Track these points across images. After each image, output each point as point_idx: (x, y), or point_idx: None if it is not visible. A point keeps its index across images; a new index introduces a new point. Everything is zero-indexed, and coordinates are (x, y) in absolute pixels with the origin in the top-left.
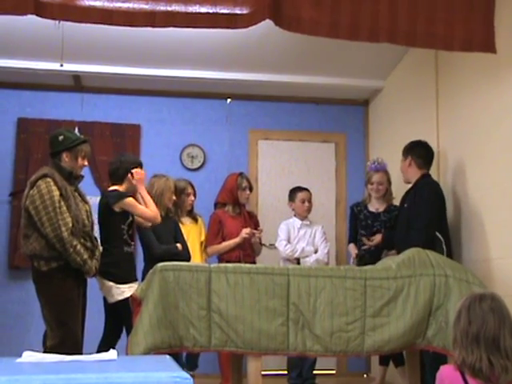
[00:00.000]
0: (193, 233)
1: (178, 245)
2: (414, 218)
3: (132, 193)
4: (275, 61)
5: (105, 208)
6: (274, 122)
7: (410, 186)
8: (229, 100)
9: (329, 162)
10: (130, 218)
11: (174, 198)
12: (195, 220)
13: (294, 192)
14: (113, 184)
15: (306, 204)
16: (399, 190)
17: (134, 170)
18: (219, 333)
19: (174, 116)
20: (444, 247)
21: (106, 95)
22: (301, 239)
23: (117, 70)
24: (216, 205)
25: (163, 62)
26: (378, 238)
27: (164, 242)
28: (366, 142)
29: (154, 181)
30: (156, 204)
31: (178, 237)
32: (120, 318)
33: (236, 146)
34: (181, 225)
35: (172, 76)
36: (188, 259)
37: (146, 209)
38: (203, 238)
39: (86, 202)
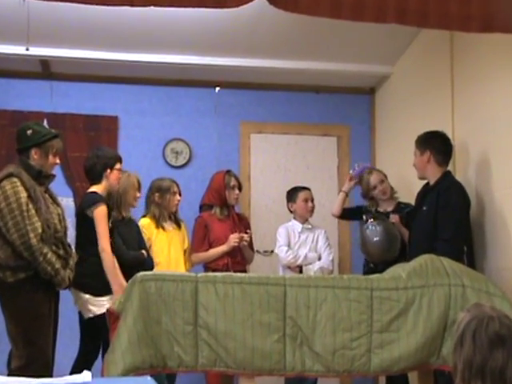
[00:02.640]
0: (176, 240)
1: (143, 251)
2: (442, 227)
3: (114, 192)
4: (270, 44)
5: (79, 211)
6: (268, 113)
7: (422, 183)
8: (217, 88)
9: (330, 159)
10: (110, 224)
11: (139, 194)
12: (178, 225)
13: (294, 192)
14: (91, 183)
15: (310, 204)
16: (401, 187)
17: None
18: (207, 351)
19: (155, 107)
20: (465, 258)
21: (78, 83)
22: (302, 245)
23: (91, 55)
24: (202, 207)
25: (144, 46)
26: (395, 217)
27: (129, 248)
28: (373, 136)
29: None
30: (119, 204)
31: (142, 242)
32: (98, 336)
33: (226, 140)
34: (162, 230)
35: (154, 61)
36: (152, 268)
37: (105, 236)
38: (187, 245)
39: (57, 205)
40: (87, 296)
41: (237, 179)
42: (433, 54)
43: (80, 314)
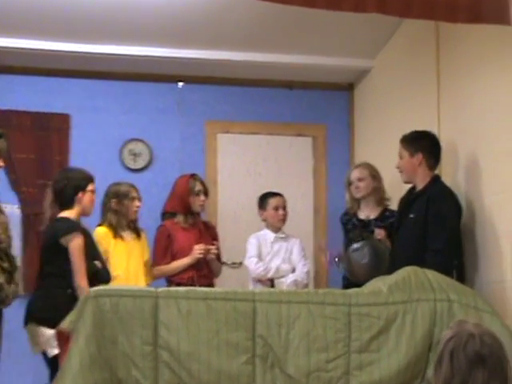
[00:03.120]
0: (135, 251)
1: (97, 262)
2: (432, 237)
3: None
4: (239, 35)
5: (51, 239)
6: (236, 112)
7: (406, 187)
8: (181, 84)
9: (305, 161)
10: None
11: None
12: (138, 235)
13: (264, 198)
14: (61, 209)
15: (281, 212)
16: (392, 193)
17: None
18: (168, 374)
19: (111, 104)
20: (454, 271)
21: (25, 77)
22: (275, 256)
23: (40, 45)
24: (164, 215)
25: (99, 36)
26: (381, 233)
27: None
28: (351, 136)
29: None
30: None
31: (95, 253)
32: None
33: (190, 140)
34: (120, 240)
35: (110, 53)
36: (108, 280)
37: (82, 271)
38: (147, 256)
39: (1, 212)
40: (52, 331)
41: (202, 184)
42: (417, 47)
43: (44, 354)
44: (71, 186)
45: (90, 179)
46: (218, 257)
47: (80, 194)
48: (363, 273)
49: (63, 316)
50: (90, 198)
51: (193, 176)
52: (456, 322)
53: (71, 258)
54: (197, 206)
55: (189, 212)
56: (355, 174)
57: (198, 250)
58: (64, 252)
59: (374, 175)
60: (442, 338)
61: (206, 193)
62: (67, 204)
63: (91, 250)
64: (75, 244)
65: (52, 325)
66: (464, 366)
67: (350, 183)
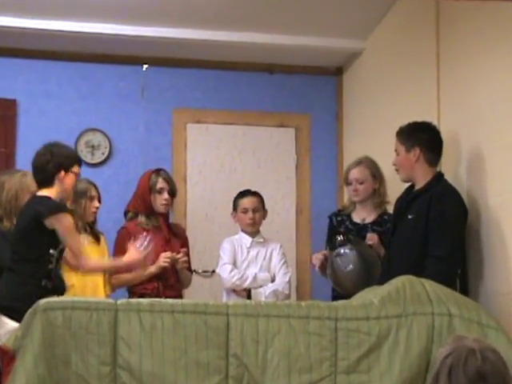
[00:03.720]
0: (93, 257)
1: None
2: (435, 242)
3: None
4: (212, 12)
5: (29, 219)
6: (209, 98)
7: (404, 186)
8: (145, 66)
9: (287, 155)
10: (62, 245)
11: None
12: (97, 239)
13: (236, 198)
14: (39, 186)
15: (250, 215)
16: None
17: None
18: None
19: (66, 88)
20: (457, 282)
21: None
22: (252, 263)
23: None
24: (126, 214)
25: (51, 11)
26: (373, 238)
27: None
28: (339, 127)
29: (3, 180)
30: (9, 211)
31: None
32: None
33: (155, 131)
34: None
35: (64, 30)
36: (63, 292)
37: (78, 248)
38: None
39: None
40: (14, 324)
41: (167, 181)
42: (414, 26)
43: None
44: (54, 163)
45: (76, 160)
46: (188, 266)
47: (62, 173)
48: (348, 283)
49: (28, 306)
50: (72, 180)
51: (157, 171)
52: (454, 337)
53: (66, 239)
54: (159, 205)
55: (151, 213)
56: (354, 174)
57: (163, 258)
58: (47, 235)
59: (375, 175)
60: (439, 355)
61: (171, 191)
62: (47, 182)
63: None
64: (66, 222)
65: (17, 317)
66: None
67: (348, 182)
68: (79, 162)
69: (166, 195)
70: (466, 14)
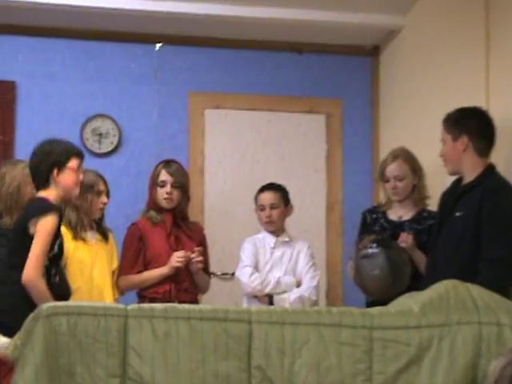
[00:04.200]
0: (101, 256)
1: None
2: (489, 242)
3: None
4: None
5: (20, 224)
6: (229, 81)
7: (446, 180)
8: (159, 45)
9: (316, 145)
10: (56, 250)
11: None
12: (105, 236)
13: (257, 194)
14: (37, 189)
15: (266, 212)
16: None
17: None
18: None
19: (71, 69)
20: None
21: None
22: (275, 265)
23: None
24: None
25: None
26: (417, 250)
27: None
28: (375, 113)
29: (4, 171)
30: (10, 207)
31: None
32: None
33: (170, 117)
34: (82, 243)
35: (69, 5)
36: (68, 296)
37: (40, 257)
38: (116, 264)
39: None
40: (5, 340)
41: (171, 172)
42: (460, 0)
43: None
44: (46, 163)
45: (71, 153)
46: (205, 267)
47: (55, 172)
48: (372, 288)
49: (15, 319)
50: (71, 177)
51: (166, 162)
52: (509, 348)
53: (34, 240)
54: (160, 199)
55: (157, 208)
56: (393, 171)
57: (176, 257)
58: (29, 240)
59: (415, 169)
60: (495, 367)
61: (176, 184)
62: (42, 183)
63: None
64: (43, 223)
65: (8, 332)
66: None
67: (385, 179)
68: (76, 155)
69: (167, 189)
70: None
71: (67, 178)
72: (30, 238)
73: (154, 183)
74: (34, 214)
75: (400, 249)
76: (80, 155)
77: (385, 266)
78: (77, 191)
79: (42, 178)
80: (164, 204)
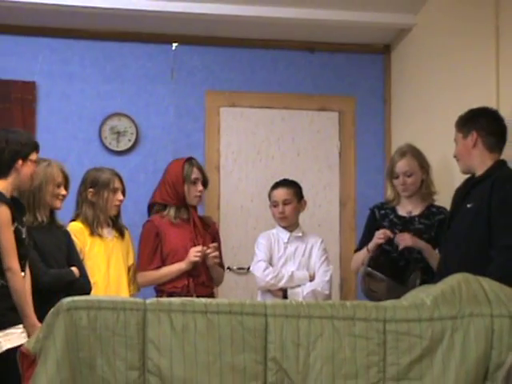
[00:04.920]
0: (117, 252)
1: (74, 269)
2: (500, 230)
3: (25, 189)
4: None
5: None
6: (244, 80)
7: (456, 177)
8: (175, 45)
9: (329, 142)
10: (24, 236)
11: (64, 192)
12: (121, 233)
13: (270, 190)
14: None
15: (279, 208)
16: (439, 184)
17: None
18: None
19: (89, 69)
20: None
21: None
22: (289, 260)
23: None
24: (151, 207)
25: None
26: (419, 241)
27: (53, 265)
28: (387, 111)
29: None
30: (32, 204)
31: (73, 256)
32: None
33: (186, 116)
34: (98, 239)
35: (87, 6)
36: (88, 291)
37: (11, 249)
38: (132, 260)
39: None
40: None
41: (201, 170)
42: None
43: None
44: (10, 152)
45: (34, 146)
46: (220, 261)
47: (19, 163)
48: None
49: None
50: (31, 169)
51: (189, 160)
52: None
53: None
54: (192, 197)
55: (182, 204)
56: (402, 167)
57: (194, 252)
58: None
59: (423, 165)
60: (510, 358)
61: (204, 182)
62: (2, 172)
63: (68, 253)
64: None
65: None
66: None
67: (394, 176)
68: (36, 148)
69: (200, 186)
70: None
71: (27, 170)
72: None
73: (185, 180)
74: None
75: (401, 283)
76: (38, 148)
77: (385, 293)
78: (31, 183)
79: (2, 167)
80: (195, 201)
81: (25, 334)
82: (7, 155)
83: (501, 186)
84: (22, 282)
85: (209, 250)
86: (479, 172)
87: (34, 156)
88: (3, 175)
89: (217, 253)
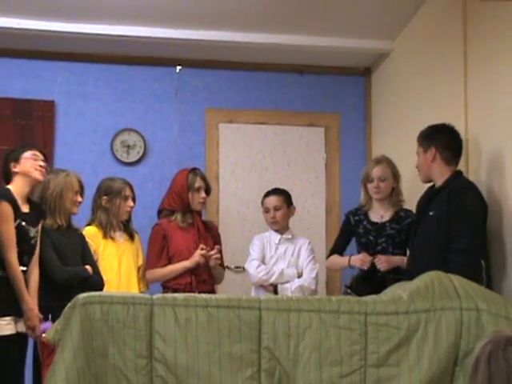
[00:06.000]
0: (128, 253)
1: (88, 267)
2: (456, 235)
3: (34, 181)
4: (243, 15)
5: None
6: (240, 99)
7: (426, 187)
8: (179, 68)
9: (317, 154)
10: (32, 235)
11: (81, 199)
12: (131, 237)
13: (263, 197)
14: (7, 184)
15: (271, 214)
16: (411, 193)
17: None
18: None
19: (102, 90)
20: (484, 275)
21: (5, 59)
22: (280, 259)
23: (22, 25)
24: (160, 212)
25: (88, 15)
26: (395, 259)
27: (69, 264)
28: (368, 127)
29: (48, 179)
30: (53, 210)
31: (87, 256)
32: None
33: (189, 131)
34: (111, 241)
35: (100, 34)
36: (101, 287)
37: (10, 242)
38: (141, 261)
39: None
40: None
41: (204, 180)
42: (441, 28)
43: None
44: (4, 161)
45: (23, 150)
46: (221, 262)
47: (12, 165)
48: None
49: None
50: (26, 164)
51: (193, 170)
52: (492, 333)
53: None
54: (196, 203)
55: (187, 210)
56: (377, 172)
57: (199, 251)
58: None
59: (395, 174)
60: (477, 347)
61: (207, 190)
62: (7, 181)
63: (83, 253)
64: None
65: None
66: (503, 369)
67: (369, 180)
68: (30, 147)
69: (203, 193)
70: (494, 14)
71: (25, 165)
72: None
73: (189, 188)
74: None
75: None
76: (33, 149)
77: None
78: (37, 174)
79: (6, 176)
80: (198, 207)
81: (11, 326)
82: (5, 166)
83: (457, 195)
84: (18, 273)
85: (212, 252)
86: (439, 183)
87: (25, 154)
88: (9, 181)
89: (219, 255)
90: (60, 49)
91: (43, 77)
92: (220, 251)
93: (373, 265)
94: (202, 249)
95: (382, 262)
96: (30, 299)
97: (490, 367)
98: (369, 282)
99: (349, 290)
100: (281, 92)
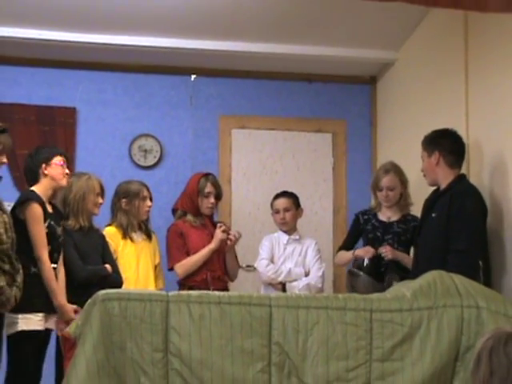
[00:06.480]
0: (145, 253)
1: (107, 266)
2: (455, 237)
3: (58, 187)
4: (255, 26)
5: (12, 214)
6: (252, 106)
7: (431, 189)
8: (193, 76)
9: (324, 159)
10: (59, 233)
11: (102, 201)
12: (149, 236)
13: (272, 200)
14: (29, 185)
15: (281, 215)
16: (416, 195)
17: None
18: (179, 382)
19: (121, 97)
20: (481, 275)
21: (29, 68)
22: (288, 258)
23: (45, 36)
24: (173, 211)
25: (108, 26)
26: (399, 253)
27: (89, 263)
28: (373, 132)
29: (71, 182)
30: (76, 211)
31: (107, 255)
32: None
33: (203, 136)
34: (129, 241)
35: (119, 44)
36: (120, 285)
37: (41, 241)
38: (158, 260)
39: (3, 212)
40: (14, 315)
41: (214, 185)
42: (444, 38)
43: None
44: (35, 161)
45: (55, 153)
46: (236, 260)
47: (43, 167)
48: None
49: (26, 297)
50: (59, 169)
51: (206, 176)
52: (492, 330)
53: (28, 227)
54: (205, 208)
55: (198, 213)
56: (386, 182)
57: (220, 229)
58: (21, 226)
59: (403, 180)
60: (478, 343)
61: (217, 195)
62: (33, 180)
63: (103, 253)
64: (30, 212)
65: (15, 308)
66: (504, 363)
67: (379, 189)
68: (60, 154)
69: (212, 199)
70: (495, 25)
71: (54, 170)
72: (21, 223)
73: (199, 193)
74: (18, 203)
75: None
76: (62, 154)
77: (360, 286)
78: (64, 181)
79: (33, 176)
80: (207, 212)
81: (42, 322)
82: (33, 167)
83: (458, 198)
84: (50, 270)
85: (232, 231)
86: (443, 186)
87: (56, 159)
88: (36, 181)
89: (237, 235)
90: (81, 58)
91: (65, 85)
92: (237, 238)
93: (377, 257)
94: (221, 227)
95: (387, 251)
96: (61, 295)
97: (491, 362)
98: (372, 266)
99: (351, 268)
100: (290, 99)
